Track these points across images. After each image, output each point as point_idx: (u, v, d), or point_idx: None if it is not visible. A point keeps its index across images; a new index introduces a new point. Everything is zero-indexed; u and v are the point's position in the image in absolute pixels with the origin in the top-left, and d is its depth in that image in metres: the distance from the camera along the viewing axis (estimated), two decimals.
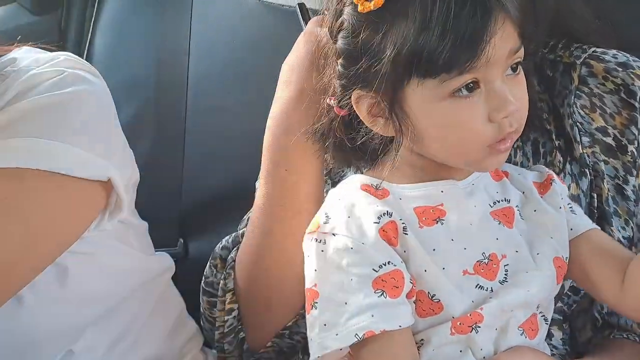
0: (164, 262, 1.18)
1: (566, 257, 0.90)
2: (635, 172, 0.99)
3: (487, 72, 0.80)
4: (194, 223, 1.33)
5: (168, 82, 1.35)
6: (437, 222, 0.85)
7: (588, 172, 0.99)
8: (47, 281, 0.98)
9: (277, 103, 1.01)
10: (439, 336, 0.84)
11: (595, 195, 0.99)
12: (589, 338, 1.01)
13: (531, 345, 0.87)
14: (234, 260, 1.07)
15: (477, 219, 0.87)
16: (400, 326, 0.82)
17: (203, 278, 1.11)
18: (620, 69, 0.99)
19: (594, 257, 0.90)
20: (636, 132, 0.99)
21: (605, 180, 0.99)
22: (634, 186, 0.99)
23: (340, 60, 0.85)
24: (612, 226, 0.98)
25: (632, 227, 0.99)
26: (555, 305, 0.93)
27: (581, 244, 0.91)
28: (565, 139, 1.01)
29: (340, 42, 0.84)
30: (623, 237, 0.99)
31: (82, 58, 1.17)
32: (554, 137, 1.01)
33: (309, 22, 1.03)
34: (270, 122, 1.02)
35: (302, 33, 1.02)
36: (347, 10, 0.83)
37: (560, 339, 1.01)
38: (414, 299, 0.84)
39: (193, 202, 1.34)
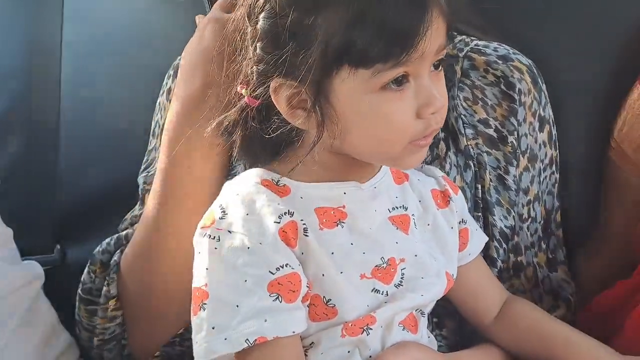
0: (32, 271, 1.11)
1: (453, 275, 0.91)
2: (515, 163, 1.01)
3: (418, 67, 0.79)
4: (72, 227, 1.26)
5: (41, 73, 1.27)
6: (338, 224, 0.84)
7: (472, 164, 1.01)
8: None
9: (178, 102, 0.96)
10: (329, 339, 0.83)
11: (479, 187, 1.01)
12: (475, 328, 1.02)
13: (414, 339, 0.87)
14: (118, 264, 1.01)
15: (377, 223, 0.86)
16: (293, 332, 0.79)
17: (80, 285, 1.05)
18: (500, 62, 1.01)
19: (477, 288, 0.95)
20: (516, 123, 1.01)
21: (487, 171, 1.01)
22: (514, 176, 1.01)
23: (260, 44, 0.80)
24: (495, 216, 1.00)
25: (513, 217, 1.01)
26: (445, 296, 0.93)
27: (472, 269, 0.95)
28: (450, 132, 1.02)
29: (262, 23, 0.79)
30: (505, 226, 1.01)
31: None
32: (439, 129, 1.01)
33: (212, 8, 0.97)
34: (170, 121, 0.97)
35: (204, 21, 0.97)
36: None
37: (452, 330, 1.01)
38: (307, 302, 0.82)
39: (70, 205, 1.27)
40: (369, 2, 0.75)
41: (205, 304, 0.79)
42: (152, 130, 1.10)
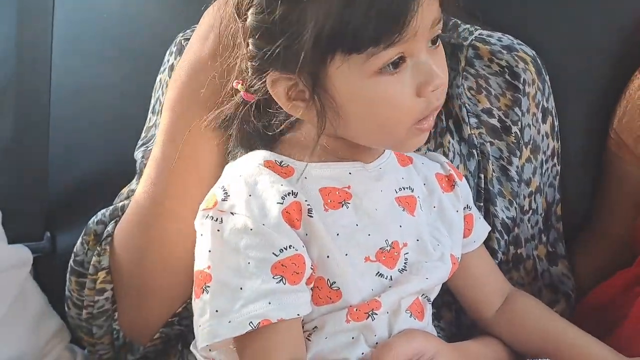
0: (20, 254, 1.10)
1: (458, 257, 0.90)
2: (518, 153, 1.01)
3: (413, 46, 0.77)
4: (62, 215, 1.24)
5: (30, 59, 1.24)
6: (343, 205, 0.82)
7: (476, 153, 1.00)
8: None
9: (186, 60, 0.93)
10: (333, 323, 0.81)
11: (482, 177, 1.00)
12: (474, 320, 1.01)
13: (420, 327, 0.86)
14: (111, 235, 0.99)
15: (382, 205, 0.84)
16: (298, 315, 0.78)
17: (72, 256, 1.02)
18: (505, 52, 1.01)
19: (481, 277, 0.94)
20: (520, 114, 1.00)
21: (490, 162, 1.00)
22: (517, 167, 1.01)
23: (252, 40, 0.78)
24: (497, 206, 1.00)
25: (515, 208, 1.01)
26: (444, 287, 0.92)
27: (475, 258, 0.93)
28: (454, 120, 1.01)
29: (251, 19, 0.77)
30: (507, 217, 1.00)
31: None
32: (443, 117, 1.01)
33: None
34: (175, 80, 0.94)
35: None
36: None
37: (449, 321, 1.01)
38: (311, 285, 0.80)
39: (61, 192, 1.24)
40: None
41: (208, 286, 0.78)
42: (152, 107, 1.08)
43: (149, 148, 1.03)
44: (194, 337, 0.80)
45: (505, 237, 1.00)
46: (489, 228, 0.97)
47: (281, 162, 0.82)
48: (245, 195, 0.79)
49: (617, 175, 1.10)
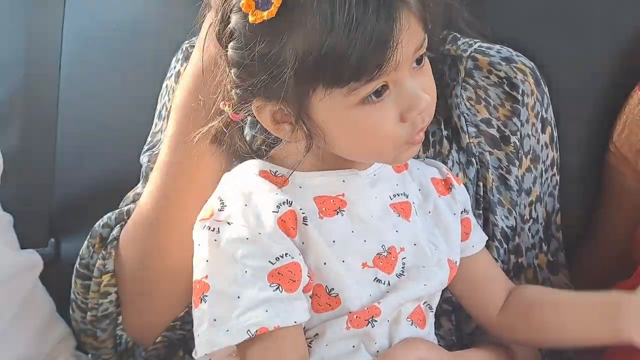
0: (31, 259, 1.10)
1: (456, 262, 0.90)
2: (518, 163, 1.00)
3: (396, 75, 0.76)
4: (67, 221, 1.24)
5: (39, 66, 1.25)
6: (338, 212, 0.82)
7: (475, 162, 1.00)
8: None
9: (191, 68, 0.93)
10: (333, 330, 0.81)
11: (481, 185, 1.00)
12: (473, 328, 1.01)
13: (422, 335, 0.86)
14: (117, 239, 0.99)
15: (377, 211, 0.84)
16: (295, 322, 0.78)
17: (78, 259, 1.02)
18: (503, 63, 1.01)
19: (482, 279, 0.93)
20: (519, 124, 1.00)
21: (490, 171, 1.00)
22: (516, 176, 1.00)
23: (234, 70, 0.78)
24: (496, 215, 0.99)
25: (515, 217, 1.00)
26: (443, 295, 0.92)
27: (474, 262, 0.93)
28: (453, 129, 1.01)
29: (232, 53, 0.77)
30: (506, 226, 1.00)
31: None
32: (442, 127, 1.01)
33: None
34: (182, 87, 0.94)
35: None
36: (236, 18, 0.76)
37: (448, 330, 1.00)
38: (310, 293, 0.80)
39: (66, 199, 1.25)
40: (333, 22, 0.72)
41: (206, 296, 0.78)
42: (157, 112, 1.08)
43: (154, 152, 1.03)
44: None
45: (505, 245, 1.00)
46: (487, 237, 0.96)
47: (275, 172, 0.82)
48: (241, 205, 0.79)
49: (617, 189, 1.10)
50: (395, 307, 0.83)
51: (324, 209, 0.81)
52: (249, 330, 0.76)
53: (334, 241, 0.81)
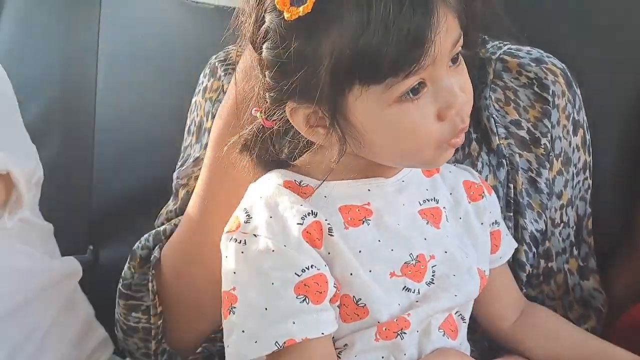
0: (71, 266, 1.12)
1: (485, 271, 0.88)
2: (548, 165, 0.98)
3: (433, 71, 0.74)
4: (105, 228, 1.26)
5: (76, 80, 1.28)
6: (363, 222, 0.81)
7: (505, 163, 0.98)
8: None
9: (230, 97, 0.93)
10: (362, 341, 0.80)
11: (511, 187, 0.98)
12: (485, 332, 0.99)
13: (453, 346, 0.84)
14: (158, 259, 1.00)
15: (405, 218, 0.83)
16: (323, 334, 0.77)
17: (121, 280, 1.03)
18: (533, 64, 0.99)
19: (500, 291, 0.92)
20: (549, 125, 0.98)
21: (519, 173, 0.98)
22: (547, 179, 0.98)
23: (268, 72, 0.76)
24: (525, 218, 0.97)
25: (544, 221, 0.99)
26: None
27: (498, 273, 0.91)
28: (482, 131, 0.99)
29: (266, 54, 0.75)
30: (536, 229, 0.98)
31: None
32: (471, 129, 0.99)
33: None
34: (217, 123, 0.94)
35: None
36: (271, 17, 0.74)
37: (481, 332, 0.98)
38: (337, 303, 0.80)
39: (104, 207, 1.27)
40: (370, 16, 0.70)
41: (234, 307, 0.78)
42: (187, 128, 1.09)
43: (183, 168, 1.04)
44: None
45: (534, 249, 0.98)
46: (516, 245, 0.94)
47: (300, 182, 0.81)
48: (267, 217, 0.78)
49: None
50: (425, 318, 0.81)
51: (349, 218, 0.80)
52: (277, 341, 0.75)
53: (360, 251, 0.79)
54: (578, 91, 1.01)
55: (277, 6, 0.73)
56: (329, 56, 0.72)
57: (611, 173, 1.09)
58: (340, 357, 0.80)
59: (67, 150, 1.26)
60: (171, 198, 1.06)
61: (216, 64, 1.05)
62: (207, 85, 1.06)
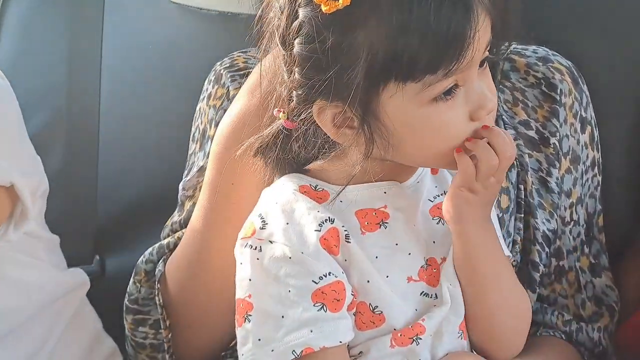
0: (78, 277, 1.10)
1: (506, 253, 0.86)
2: (558, 164, 0.98)
3: (467, 72, 0.73)
4: (110, 238, 1.24)
5: (80, 90, 1.26)
6: (381, 225, 0.79)
7: (515, 164, 0.97)
8: None
9: (235, 109, 0.92)
10: (378, 348, 0.78)
11: (522, 188, 0.97)
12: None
13: (464, 346, 0.82)
14: (163, 273, 0.99)
15: (420, 220, 0.81)
16: (340, 342, 0.75)
17: (127, 295, 1.01)
18: (540, 64, 0.98)
19: None
20: (558, 125, 0.97)
21: (529, 173, 0.97)
22: (557, 178, 0.98)
23: (298, 69, 0.74)
24: (537, 219, 0.96)
25: (556, 220, 0.97)
26: None
27: None
28: None
29: (298, 49, 0.73)
30: (548, 229, 0.97)
31: None
32: None
33: None
34: (222, 129, 0.93)
35: None
36: (305, 11, 0.72)
37: None
38: (354, 311, 0.78)
39: (109, 216, 1.25)
40: (410, 10, 0.69)
41: (250, 315, 0.76)
42: (192, 135, 1.07)
43: (188, 178, 1.03)
44: None
45: (547, 249, 0.97)
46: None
47: (316, 187, 0.79)
48: (283, 223, 0.76)
49: None
50: (438, 322, 0.80)
51: (366, 223, 0.78)
52: (294, 350, 0.74)
53: (376, 257, 0.78)
54: (585, 88, 1.00)
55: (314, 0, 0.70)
56: (366, 51, 0.70)
57: (621, 170, 1.08)
58: None
59: (72, 160, 1.24)
60: (177, 209, 1.04)
61: (221, 70, 1.03)
62: (211, 92, 1.04)
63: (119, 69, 1.26)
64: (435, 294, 0.80)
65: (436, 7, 0.69)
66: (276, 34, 0.75)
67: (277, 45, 0.76)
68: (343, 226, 0.77)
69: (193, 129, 1.07)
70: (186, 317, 0.97)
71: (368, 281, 0.77)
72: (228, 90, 1.02)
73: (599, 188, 1.02)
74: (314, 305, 0.74)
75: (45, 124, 1.24)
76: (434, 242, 0.81)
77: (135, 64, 1.25)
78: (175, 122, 1.15)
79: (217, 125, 0.96)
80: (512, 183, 0.96)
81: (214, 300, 0.93)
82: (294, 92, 0.75)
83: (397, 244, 0.79)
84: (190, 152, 1.07)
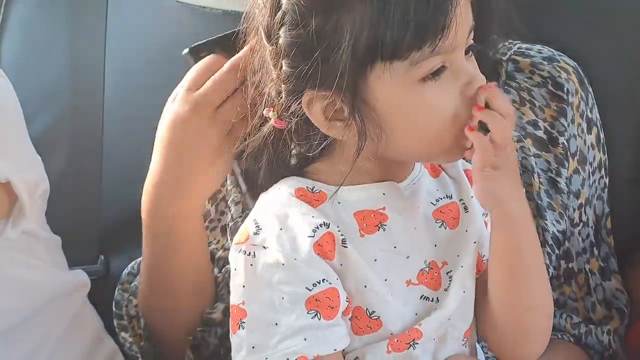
0: (79, 278, 1.09)
1: (484, 256, 0.82)
2: (567, 164, 0.96)
3: (453, 54, 0.72)
4: (115, 239, 1.22)
5: (83, 90, 1.24)
6: (379, 227, 0.76)
7: (519, 167, 0.93)
8: None
9: (167, 118, 0.94)
10: (374, 354, 0.76)
11: (524, 191, 0.93)
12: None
13: (466, 354, 0.80)
14: (137, 288, 1.00)
15: (420, 222, 0.78)
16: (335, 350, 0.73)
17: (114, 303, 1.02)
18: (546, 63, 0.97)
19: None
20: (565, 124, 0.96)
21: (536, 175, 0.95)
22: (566, 178, 0.96)
23: (285, 60, 0.73)
24: (547, 220, 0.94)
25: (565, 220, 0.96)
26: None
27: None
28: None
29: (284, 38, 0.72)
30: (558, 230, 0.95)
31: None
32: None
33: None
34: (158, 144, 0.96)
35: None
36: (287, 0, 0.72)
37: None
38: (349, 316, 0.75)
39: (114, 217, 1.23)
40: None
41: (243, 322, 0.74)
42: None
43: None
44: None
45: (557, 251, 0.95)
46: None
47: (313, 188, 0.77)
48: (276, 229, 0.74)
49: None
50: (439, 326, 0.77)
51: (365, 225, 0.76)
52: (288, 358, 0.72)
53: (375, 260, 0.75)
54: (590, 89, 0.98)
55: None
56: (349, 31, 0.69)
57: (628, 172, 1.05)
58: None
59: (76, 160, 1.23)
60: None
61: None
62: None
63: (123, 70, 1.24)
64: (437, 298, 0.77)
65: None
66: (261, 29, 0.74)
67: (263, 40, 0.75)
68: (339, 230, 0.75)
69: None
70: (158, 333, 0.98)
71: (365, 286, 0.75)
72: None
73: (606, 190, 1.00)
74: (307, 312, 0.72)
75: (49, 125, 1.23)
76: (435, 245, 0.78)
77: (139, 65, 1.23)
78: None
79: None
80: None
81: (176, 317, 0.94)
82: (282, 85, 0.74)
83: (395, 247, 0.76)
84: None
